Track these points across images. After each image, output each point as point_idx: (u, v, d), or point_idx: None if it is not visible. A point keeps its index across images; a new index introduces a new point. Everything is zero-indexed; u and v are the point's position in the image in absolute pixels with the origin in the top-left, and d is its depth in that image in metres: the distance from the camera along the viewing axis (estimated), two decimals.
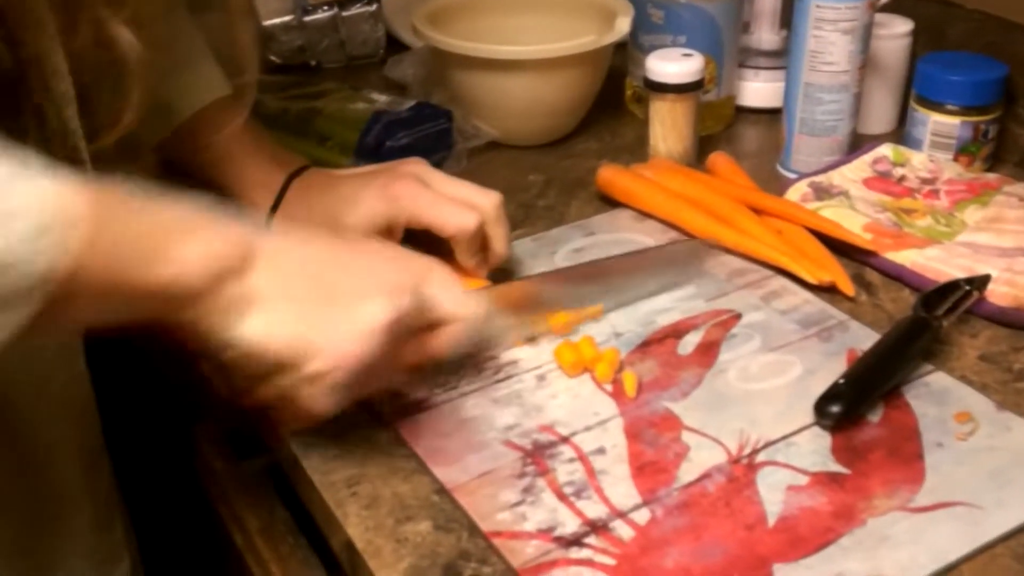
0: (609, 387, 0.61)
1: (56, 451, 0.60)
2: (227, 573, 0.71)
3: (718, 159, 0.83)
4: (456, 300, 0.57)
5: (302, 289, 0.51)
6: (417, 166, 0.69)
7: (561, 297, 0.67)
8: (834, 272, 0.70)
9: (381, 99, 0.91)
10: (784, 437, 0.57)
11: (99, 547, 0.64)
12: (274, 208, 0.71)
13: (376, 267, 0.54)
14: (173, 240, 0.46)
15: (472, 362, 0.63)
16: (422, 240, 0.66)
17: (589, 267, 0.72)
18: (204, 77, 0.74)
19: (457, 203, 0.66)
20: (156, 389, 1.01)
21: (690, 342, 0.65)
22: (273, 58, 1.07)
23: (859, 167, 0.82)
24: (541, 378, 0.62)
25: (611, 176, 0.81)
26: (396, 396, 0.60)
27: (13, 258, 0.39)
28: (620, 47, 0.92)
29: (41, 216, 0.40)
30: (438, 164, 0.78)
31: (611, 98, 0.97)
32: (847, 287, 0.69)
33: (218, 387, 0.61)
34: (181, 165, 0.74)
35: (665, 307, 0.68)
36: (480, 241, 0.67)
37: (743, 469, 0.55)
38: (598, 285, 0.69)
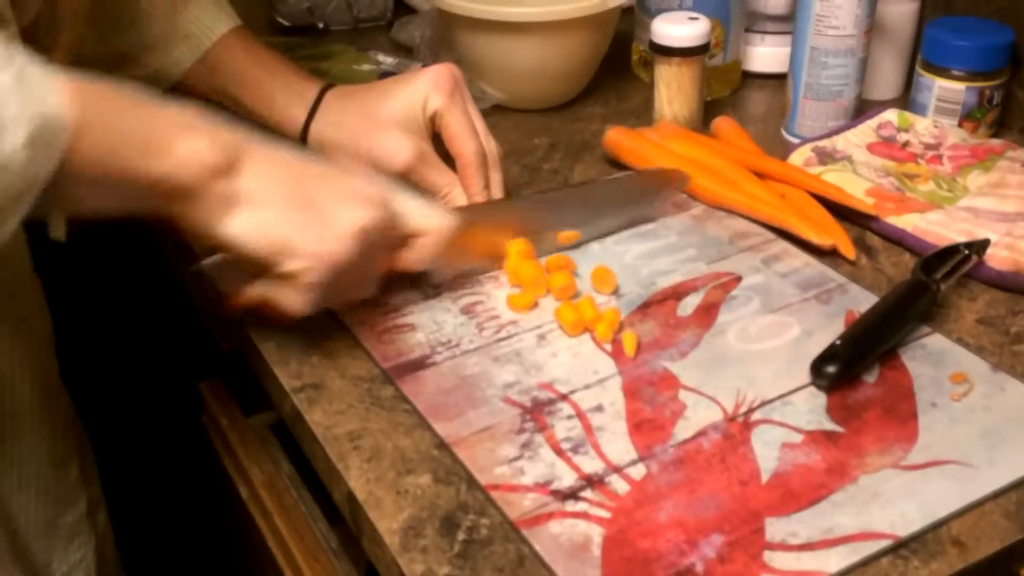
0: (609, 347, 0.62)
1: (11, 380, 0.61)
2: (231, 525, 0.73)
3: (722, 123, 0.84)
4: (425, 214, 0.61)
5: (284, 193, 0.54)
6: (456, 68, 0.70)
7: (538, 219, 0.70)
8: (836, 235, 0.70)
9: (388, 61, 0.91)
10: (780, 396, 0.57)
11: (55, 485, 0.66)
12: (309, 117, 0.73)
13: (352, 181, 0.58)
14: (168, 136, 0.50)
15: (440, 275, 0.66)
16: None
17: (565, 193, 0.75)
18: (221, 7, 0.74)
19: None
20: (165, 346, 1.02)
21: (690, 303, 0.65)
22: (280, 19, 1.07)
23: (864, 132, 0.82)
24: (542, 337, 0.62)
25: (618, 138, 0.81)
26: (358, 304, 0.63)
27: (9, 165, 0.42)
28: (627, 11, 0.92)
29: (30, 126, 0.43)
30: None
31: (617, 62, 0.97)
32: (848, 250, 0.70)
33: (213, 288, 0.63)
34: (206, 96, 0.75)
35: (666, 269, 0.68)
36: (485, 174, 0.69)
37: (739, 427, 0.55)
38: (576, 211, 0.72)
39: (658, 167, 0.77)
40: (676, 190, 0.75)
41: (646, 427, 0.55)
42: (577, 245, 0.71)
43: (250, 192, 0.52)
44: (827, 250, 0.70)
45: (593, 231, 0.72)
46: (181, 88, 0.75)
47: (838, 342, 0.59)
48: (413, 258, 0.61)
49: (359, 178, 0.59)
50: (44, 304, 0.66)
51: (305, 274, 0.54)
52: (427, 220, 0.61)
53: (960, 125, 0.82)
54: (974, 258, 0.65)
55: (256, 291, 0.57)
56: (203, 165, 0.50)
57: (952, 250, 0.65)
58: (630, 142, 0.80)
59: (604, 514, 0.50)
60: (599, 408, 0.57)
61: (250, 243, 0.53)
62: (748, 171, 0.76)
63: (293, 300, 0.56)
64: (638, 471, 0.53)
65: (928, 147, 0.80)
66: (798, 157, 0.79)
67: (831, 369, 0.57)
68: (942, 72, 0.82)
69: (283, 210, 0.54)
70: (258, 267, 0.55)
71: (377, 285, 0.61)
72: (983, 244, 0.66)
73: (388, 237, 0.59)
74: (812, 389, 0.58)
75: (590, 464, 0.53)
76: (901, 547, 0.49)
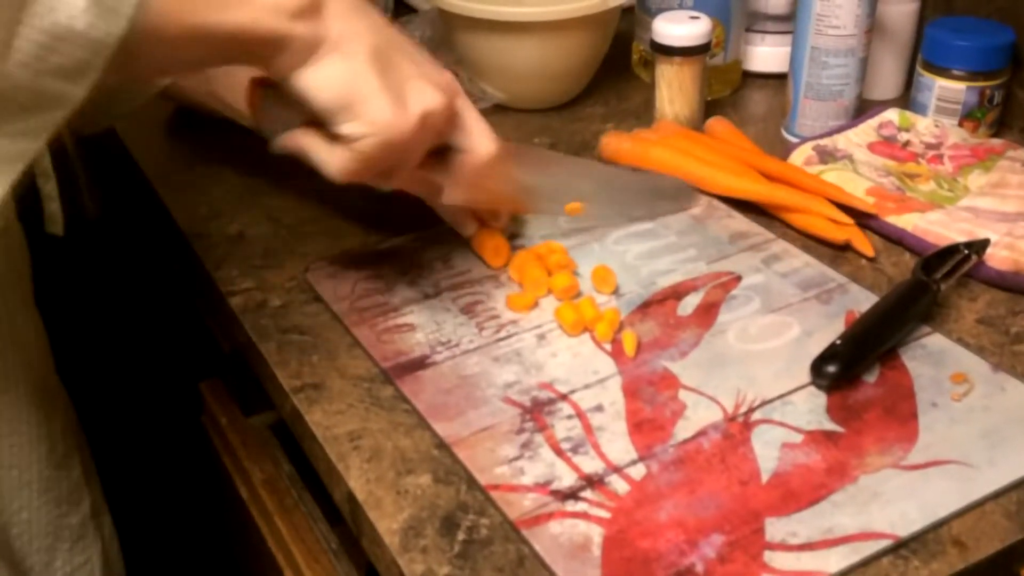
0: (609, 346, 0.62)
1: (5, 380, 0.61)
2: (231, 525, 0.73)
3: (716, 124, 0.83)
4: (481, 129, 0.58)
5: (368, 47, 0.52)
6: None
7: (557, 179, 0.69)
8: (850, 232, 0.70)
9: None
10: (780, 396, 0.57)
11: (56, 485, 0.65)
12: None
13: (428, 64, 0.56)
14: None
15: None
16: None
17: (585, 165, 0.75)
18: None
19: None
20: (165, 346, 1.02)
21: (690, 303, 0.65)
22: None
23: (864, 131, 0.82)
24: (541, 337, 0.62)
25: (616, 143, 0.81)
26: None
27: (70, 30, 0.40)
28: (627, 11, 0.92)
29: None
30: None
31: (618, 62, 0.97)
32: (865, 246, 0.69)
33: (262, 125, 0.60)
34: (195, 103, 0.75)
35: (666, 269, 0.68)
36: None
37: (739, 427, 0.55)
38: (589, 185, 0.71)
39: (675, 177, 0.76)
40: (688, 204, 0.75)
41: (646, 427, 0.55)
42: (586, 229, 0.71)
43: (335, 37, 0.50)
44: (841, 245, 0.70)
45: (602, 215, 0.71)
46: (168, 94, 0.74)
47: (838, 342, 0.59)
48: (459, 167, 0.58)
49: (435, 65, 0.56)
50: (33, 301, 0.66)
51: (361, 141, 0.52)
52: (479, 134, 0.58)
53: (960, 125, 0.82)
54: (974, 258, 0.65)
55: (302, 140, 0.54)
56: (285, 8, 0.48)
57: (952, 250, 0.65)
58: (630, 146, 0.80)
59: (604, 514, 0.50)
60: (599, 408, 0.57)
61: (322, 94, 0.51)
62: (751, 169, 0.76)
63: (335, 164, 0.54)
64: (638, 471, 0.52)
65: (929, 147, 0.80)
66: (799, 156, 0.79)
67: (831, 369, 0.57)
68: (943, 72, 0.82)
69: (363, 66, 0.51)
70: (318, 120, 0.52)
71: (399, 182, 0.58)
72: (983, 244, 0.66)
73: (440, 134, 0.56)
74: (812, 389, 0.58)
75: (590, 464, 0.53)
76: (901, 547, 0.49)
